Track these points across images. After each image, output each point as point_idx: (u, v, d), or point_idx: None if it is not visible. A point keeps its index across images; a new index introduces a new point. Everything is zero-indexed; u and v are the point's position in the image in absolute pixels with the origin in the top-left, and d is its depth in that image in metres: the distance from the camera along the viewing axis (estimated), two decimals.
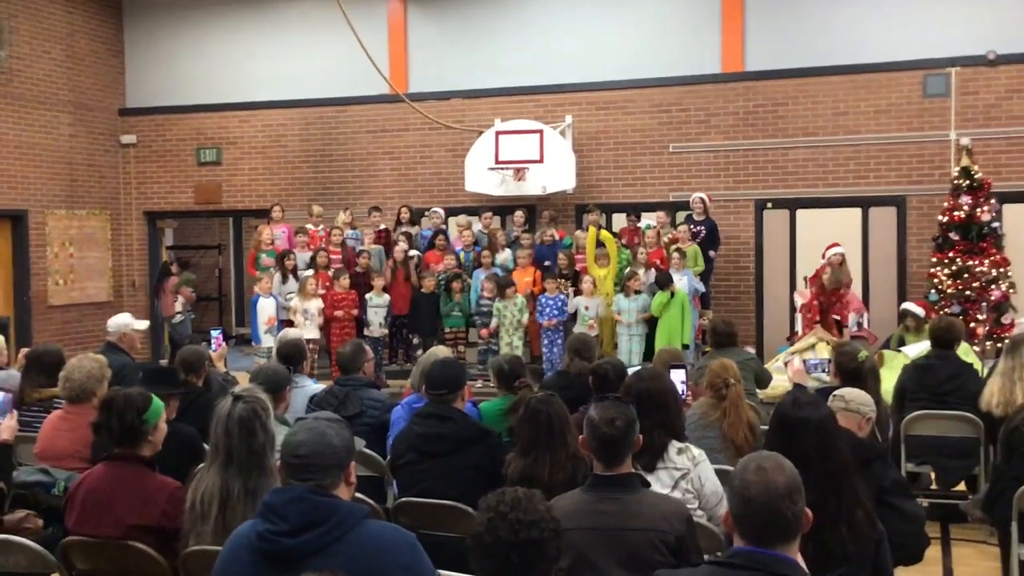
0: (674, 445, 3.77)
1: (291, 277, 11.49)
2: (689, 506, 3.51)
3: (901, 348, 8.97)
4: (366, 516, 2.74)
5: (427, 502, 4.28)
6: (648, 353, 10.52)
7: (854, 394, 3.68)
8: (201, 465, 3.73)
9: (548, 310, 10.90)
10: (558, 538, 2.54)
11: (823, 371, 5.94)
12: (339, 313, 11.13)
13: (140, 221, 15.18)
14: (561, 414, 4.14)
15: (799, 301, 11.05)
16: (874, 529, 3.20)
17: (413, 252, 11.94)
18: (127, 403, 3.81)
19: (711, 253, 11.61)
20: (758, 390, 6.46)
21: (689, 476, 3.69)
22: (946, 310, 10.38)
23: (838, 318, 10.65)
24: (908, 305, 9.90)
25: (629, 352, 10.62)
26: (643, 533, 3.16)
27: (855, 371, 5.22)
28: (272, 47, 14.34)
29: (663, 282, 10.54)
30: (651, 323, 10.71)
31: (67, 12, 14.12)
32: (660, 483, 3.68)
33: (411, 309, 11.63)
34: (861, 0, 12.00)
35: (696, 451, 3.80)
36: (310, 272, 11.37)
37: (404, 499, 4.37)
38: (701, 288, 11.21)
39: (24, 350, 6.87)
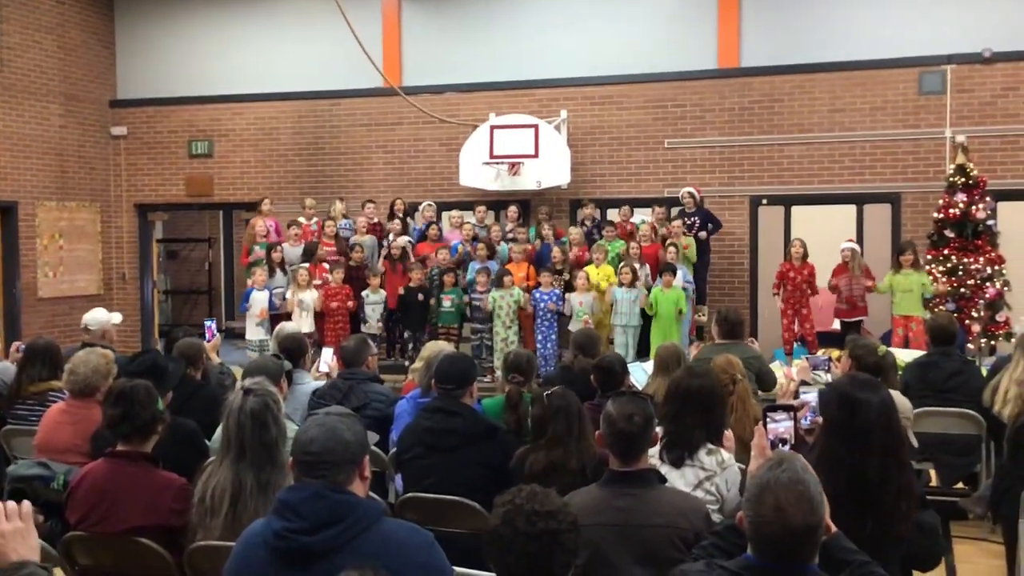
0: (705, 446, 3.73)
1: (278, 271, 11.40)
2: (709, 507, 3.47)
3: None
4: (383, 513, 2.69)
5: (433, 497, 4.22)
6: (642, 350, 10.49)
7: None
8: (211, 459, 3.68)
9: (542, 305, 10.85)
10: (576, 530, 2.49)
11: (826, 370, 5.88)
12: (334, 304, 11.04)
13: (130, 213, 15.05)
14: (581, 408, 4.14)
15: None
16: (908, 523, 3.16)
17: (405, 238, 11.84)
18: (149, 396, 3.76)
19: (706, 231, 11.50)
20: (761, 392, 6.41)
21: (714, 480, 3.65)
22: (941, 307, 10.39)
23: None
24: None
25: (625, 347, 10.58)
26: (661, 529, 3.14)
27: (875, 365, 4.98)
28: (265, 39, 14.23)
29: (665, 271, 10.51)
30: (646, 319, 10.68)
31: (58, 2, 13.97)
32: (684, 480, 3.64)
33: (399, 303, 11.41)
34: None
35: (726, 455, 3.75)
36: (305, 265, 11.28)
37: (410, 494, 4.32)
38: (691, 285, 11.12)
39: (17, 343, 6.82)
